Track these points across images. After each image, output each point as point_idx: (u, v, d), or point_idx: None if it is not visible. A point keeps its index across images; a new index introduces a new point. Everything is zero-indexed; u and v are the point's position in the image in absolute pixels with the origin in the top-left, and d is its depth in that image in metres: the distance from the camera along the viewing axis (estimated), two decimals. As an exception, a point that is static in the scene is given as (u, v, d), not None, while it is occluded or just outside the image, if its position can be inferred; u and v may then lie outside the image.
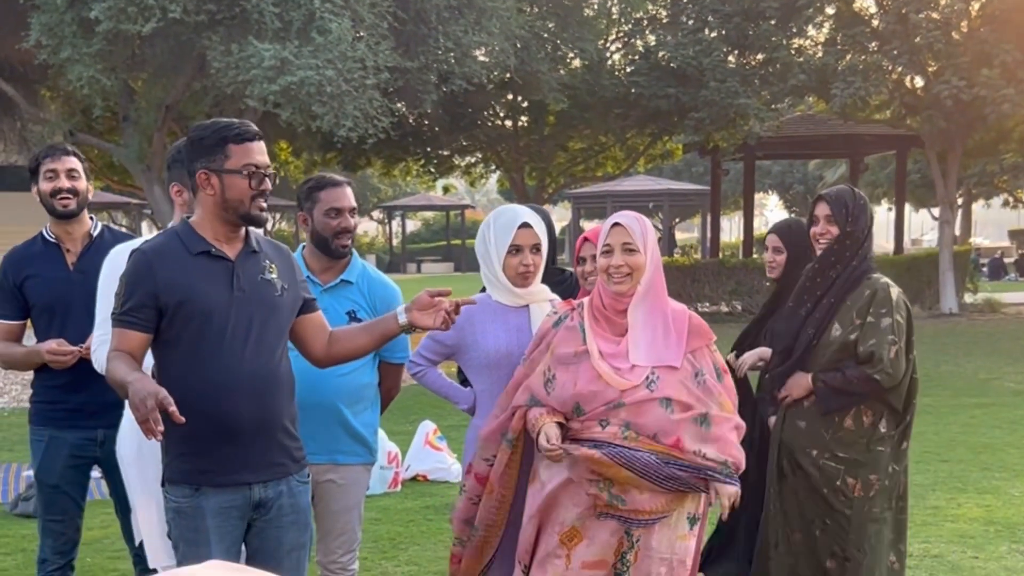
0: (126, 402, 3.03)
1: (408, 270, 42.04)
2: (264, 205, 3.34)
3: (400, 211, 45.94)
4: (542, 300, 3.95)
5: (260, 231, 3.59)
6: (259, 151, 3.33)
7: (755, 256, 24.04)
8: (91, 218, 4.41)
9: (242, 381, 3.24)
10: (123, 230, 4.44)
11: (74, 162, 4.34)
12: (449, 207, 46.12)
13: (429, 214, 51.32)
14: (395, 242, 47.39)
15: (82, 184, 4.34)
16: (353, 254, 4.19)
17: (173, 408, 2.91)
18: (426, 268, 42.97)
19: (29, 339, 4.41)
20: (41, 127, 16.96)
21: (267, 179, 3.35)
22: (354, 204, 4.20)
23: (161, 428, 2.90)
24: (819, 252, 4.29)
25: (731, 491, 3.51)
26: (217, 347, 3.24)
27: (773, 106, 19.68)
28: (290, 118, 12.78)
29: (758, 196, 32.25)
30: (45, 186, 4.30)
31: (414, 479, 8.15)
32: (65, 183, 4.29)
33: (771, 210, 69.86)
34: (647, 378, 3.49)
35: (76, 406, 4.22)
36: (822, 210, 4.29)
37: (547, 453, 3.47)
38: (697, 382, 3.55)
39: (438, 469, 8.22)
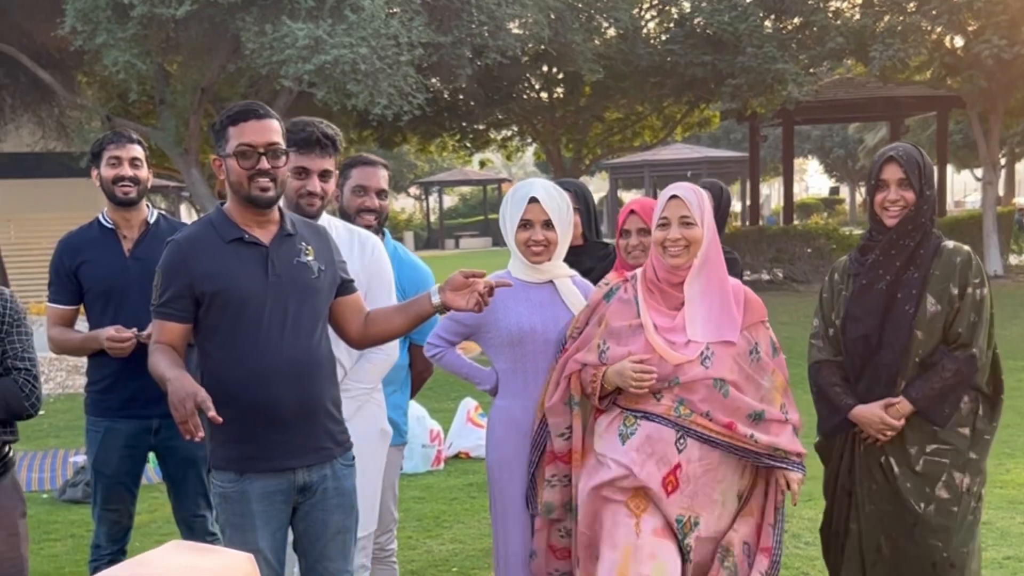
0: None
1: (446, 246, 42.08)
2: (266, 184, 3.26)
3: (437, 187, 45.93)
4: (563, 275, 3.89)
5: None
6: (254, 130, 3.26)
7: (796, 223, 23.86)
8: (148, 205, 4.41)
9: (281, 366, 3.24)
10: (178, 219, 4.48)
11: (137, 150, 4.35)
12: (486, 181, 46.06)
13: (466, 189, 51.28)
14: (432, 218, 47.42)
15: (143, 172, 4.35)
16: (386, 235, 4.18)
17: (212, 412, 2.92)
18: (464, 243, 42.97)
19: (81, 324, 4.43)
20: (79, 113, 17.09)
21: (263, 157, 3.25)
22: (382, 186, 4.20)
23: (201, 433, 2.93)
24: (891, 222, 3.73)
25: (798, 476, 3.49)
26: (255, 334, 3.24)
27: (811, 70, 19.44)
28: (325, 97, 12.78)
29: (797, 161, 31.97)
30: (107, 172, 4.31)
31: (456, 456, 8.16)
32: (128, 171, 4.30)
33: (811, 175, 69.27)
34: (702, 354, 3.44)
35: (131, 394, 4.24)
36: (893, 173, 3.71)
37: (637, 381, 3.41)
38: (752, 360, 3.51)
39: (480, 446, 8.22)
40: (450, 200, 53.26)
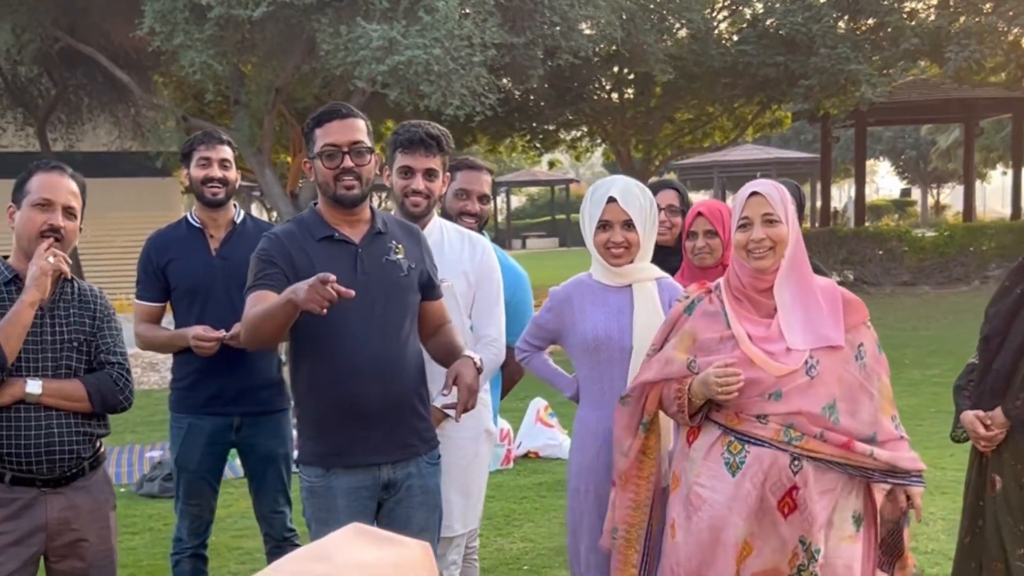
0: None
1: (513, 246, 42.07)
2: (351, 183, 3.32)
3: (505, 187, 45.98)
4: (646, 279, 3.71)
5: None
6: (337, 130, 3.32)
7: (867, 224, 23.56)
8: (235, 206, 4.49)
9: (368, 363, 3.28)
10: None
11: (227, 151, 4.43)
12: (554, 182, 45.99)
13: (534, 189, 51.27)
14: (500, 218, 47.48)
15: (232, 174, 4.43)
16: (484, 238, 4.20)
17: (336, 286, 2.90)
18: (531, 244, 42.98)
19: (167, 322, 4.52)
20: (154, 113, 17.35)
21: (347, 156, 3.30)
22: (485, 191, 4.40)
23: (334, 295, 2.90)
24: None
25: (919, 491, 3.27)
26: (342, 330, 3.28)
27: (885, 71, 19.15)
28: (398, 98, 12.84)
29: (868, 163, 31.58)
30: (197, 172, 4.38)
31: (526, 456, 8.18)
32: (217, 172, 4.37)
33: (882, 177, 68.30)
34: (806, 363, 3.18)
35: (214, 392, 4.31)
36: None
37: (723, 386, 3.16)
38: (859, 365, 3.25)
39: (549, 446, 8.24)
40: (518, 201, 53.27)
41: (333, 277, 2.92)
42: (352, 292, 2.98)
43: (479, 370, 3.38)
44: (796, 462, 3.16)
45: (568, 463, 3.86)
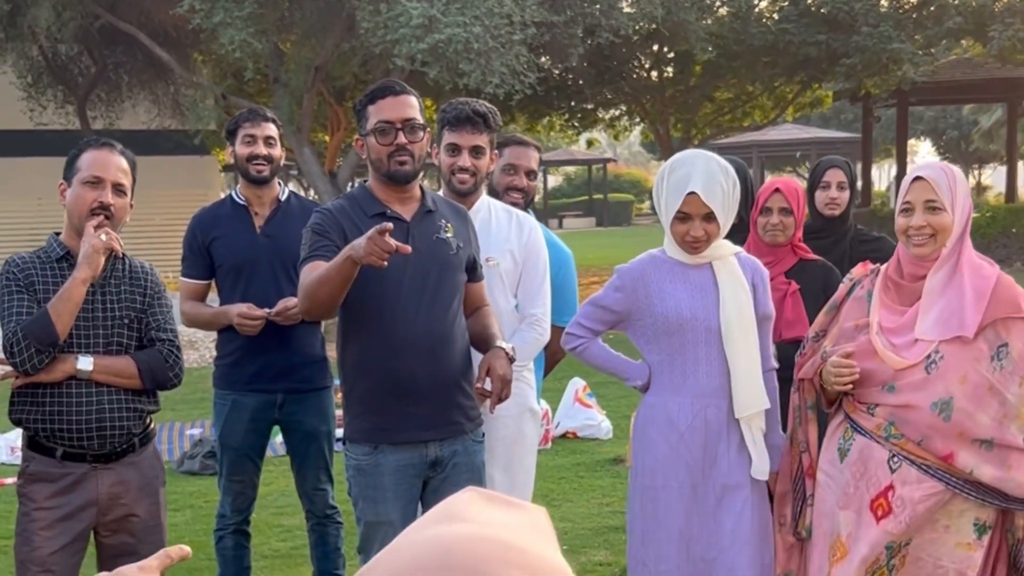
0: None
1: (550, 225, 41.82)
2: (403, 159, 3.32)
3: (542, 166, 45.74)
4: (726, 255, 3.49)
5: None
6: (391, 107, 3.33)
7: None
8: (279, 183, 4.49)
9: (417, 340, 3.29)
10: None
11: (272, 129, 4.42)
12: (591, 161, 45.85)
13: (571, 169, 51.11)
14: (537, 197, 47.25)
15: (277, 151, 4.43)
16: (531, 215, 4.18)
17: (391, 230, 2.93)
18: (568, 223, 42.87)
19: (212, 300, 4.55)
20: (193, 91, 17.40)
21: (400, 132, 3.31)
22: (532, 167, 4.37)
23: (392, 246, 2.92)
24: None
25: None
26: (393, 307, 3.30)
27: (928, 50, 18.92)
28: (437, 76, 12.82)
29: (909, 143, 31.24)
30: (242, 150, 4.38)
31: (564, 436, 8.17)
32: (262, 149, 4.37)
33: (923, 157, 67.60)
34: (928, 357, 3.03)
35: (257, 369, 4.33)
36: None
37: (836, 377, 3.13)
38: (995, 365, 3.01)
39: (588, 426, 8.22)
40: (554, 180, 53.14)
41: (391, 226, 2.93)
42: (408, 248, 3.01)
43: (511, 359, 3.38)
44: (895, 459, 3.07)
45: (635, 461, 3.61)
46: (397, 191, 3.40)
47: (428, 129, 3.44)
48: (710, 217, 3.37)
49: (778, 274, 4.05)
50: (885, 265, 3.29)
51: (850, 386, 3.13)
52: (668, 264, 3.50)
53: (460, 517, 0.91)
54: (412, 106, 3.37)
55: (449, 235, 3.41)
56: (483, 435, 3.55)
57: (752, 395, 3.42)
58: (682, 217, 3.39)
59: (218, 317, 4.37)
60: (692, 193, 3.34)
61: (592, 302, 3.61)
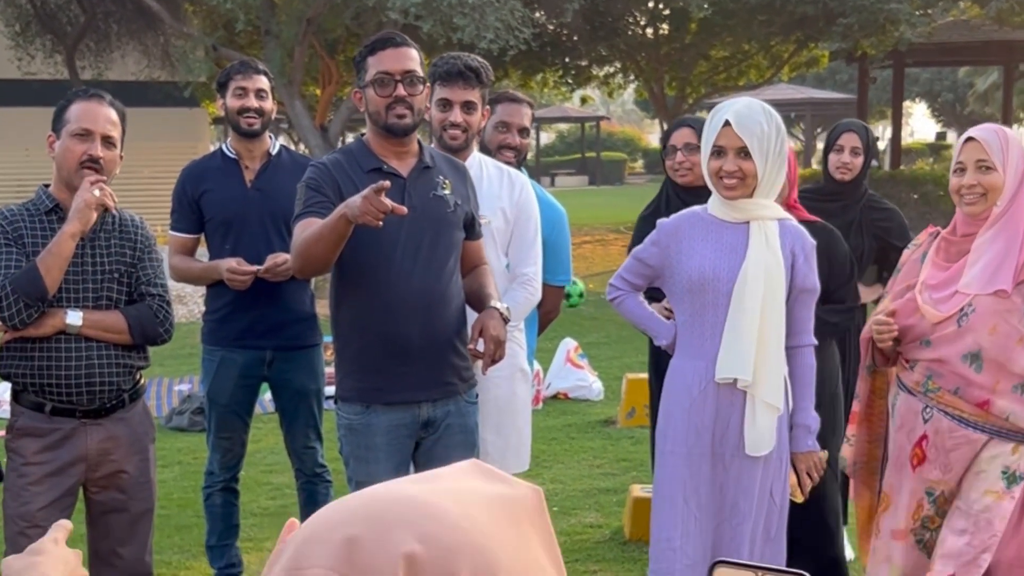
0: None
1: (542, 183, 41.69)
2: (402, 112, 3.26)
3: (534, 123, 45.50)
4: (768, 217, 3.33)
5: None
6: (391, 58, 3.27)
7: (902, 168, 23.31)
8: (270, 137, 4.44)
9: (412, 298, 3.25)
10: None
11: (264, 81, 4.36)
12: (584, 119, 45.59)
13: (564, 126, 50.89)
14: (529, 155, 47.10)
15: (268, 104, 4.37)
16: (523, 173, 4.13)
17: (386, 191, 2.89)
18: (560, 181, 42.72)
19: (201, 254, 4.51)
20: (184, 42, 17.21)
21: (399, 84, 3.24)
22: (525, 124, 4.34)
23: (388, 206, 2.88)
24: None
25: None
26: (387, 264, 3.25)
27: (925, 11, 18.80)
28: (431, 31, 12.69)
29: (904, 105, 31.15)
30: (233, 103, 4.32)
31: (555, 397, 8.16)
32: (253, 102, 4.31)
33: (917, 119, 67.52)
34: (961, 310, 3.12)
35: (246, 325, 4.29)
36: None
37: (877, 335, 3.25)
38: None
39: (579, 387, 8.21)
40: (547, 137, 52.93)
41: (388, 184, 2.89)
42: (405, 209, 2.97)
43: (505, 320, 3.34)
44: (928, 410, 3.16)
45: (657, 424, 3.54)
46: (394, 145, 3.34)
47: (428, 83, 3.38)
48: (745, 153, 3.24)
49: None
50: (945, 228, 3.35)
51: (890, 343, 3.22)
52: (705, 221, 3.39)
53: (436, 478, 0.90)
54: (412, 58, 3.31)
55: (447, 192, 3.35)
56: (477, 396, 3.52)
57: (740, 362, 3.26)
58: (717, 152, 3.28)
59: (207, 272, 4.32)
60: (727, 124, 3.25)
61: (633, 255, 3.55)
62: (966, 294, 3.12)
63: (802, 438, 3.41)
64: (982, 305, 3.08)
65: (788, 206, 3.97)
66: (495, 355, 3.28)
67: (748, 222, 3.32)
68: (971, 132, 3.26)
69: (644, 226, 4.47)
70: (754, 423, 3.29)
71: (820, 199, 4.49)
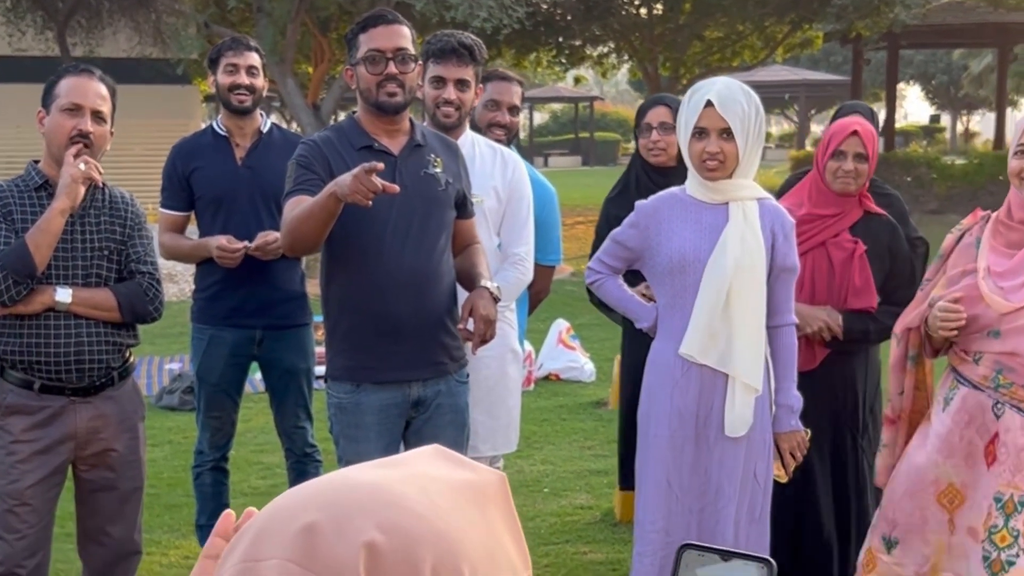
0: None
1: (535, 164, 41.61)
2: (393, 90, 3.25)
3: (528, 103, 45.46)
4: (747, 198, 3.31)
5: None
6: (382, 35, 3.26)
7: (896, 150, 23.30)
8: (261, 115, 4.41)
9: (402, 277, 3.24)
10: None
11: (255, 58, 4.33)
12: (578, 99, 45.50)
13: (557, 106, 50.80)
14: (522, 135, 47.03)
15: (259, 81, 4.34)
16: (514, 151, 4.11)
17: (378, 171, 2.89)
18: (553, 162, 42.65)
19: (191, 232, 4.48)
20: (176, 19, 17.13)
21: (390, 62, 3.24)
22: (515, 102, 4.33)
23: (378, 186, 2.88)
24: None
25: None
26: (377, 243, 3.24)
27: (920, -8, 18.78)
28: (424, 8, 12.65)
29: (898, 87, 31.13)
30: (224, 79, 4.29)
31: (547, 378, 8.15)
32: (244, 79, 4.28)
33: (911, 101, 67.51)
34: None
35: (236, 304, 4.27)
36: None
37: (943, 323, 3.05)
38: None
39: (571, 368, 8.21)
40: (540, 117, 52.82)
41: (381, 166, 2.88)
42: (396, 188, 2.96)
43: (496, 299, 3.32)
44: (999, 406, 3.01)
45: (640, 406, 3.51)
46: (385, 123, 3.33)
47: (420, 61, 3.36)
48: (727, 134, 3.22)
49: (843, 229, 3.82)
50: (996, 212, 3.18)
51: (956, 333, 3.06)
52: (685, 202, 3.36)
53: (398, 464, 0.89)
54: (404, 36, 3.30)
55: (438, 170, 3.33)
56: (467, 376, 3.51)
57: (702, 341, 3.24)
58: (698, 133, 3.25)
59: (197, 249, 4.30)
60: (709, 105, 3.22)
61: (611, 237, 3.51)
62: None
63: (785, 418, 3.40)
64: None
65: (861, 196, 3.84)
66: (485, 335, 3.27)
67: (728, 203, 3.30)
68: None
69: (611, 207, 4.44)
70: (733, 404, 3.28)
71: None
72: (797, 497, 3.77)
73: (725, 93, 3.22)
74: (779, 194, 4.15)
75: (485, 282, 3.35)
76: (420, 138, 3.36)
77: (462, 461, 0.91)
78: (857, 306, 3.76)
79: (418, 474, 0.87)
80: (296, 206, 3.16)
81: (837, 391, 3.84)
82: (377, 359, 3.30)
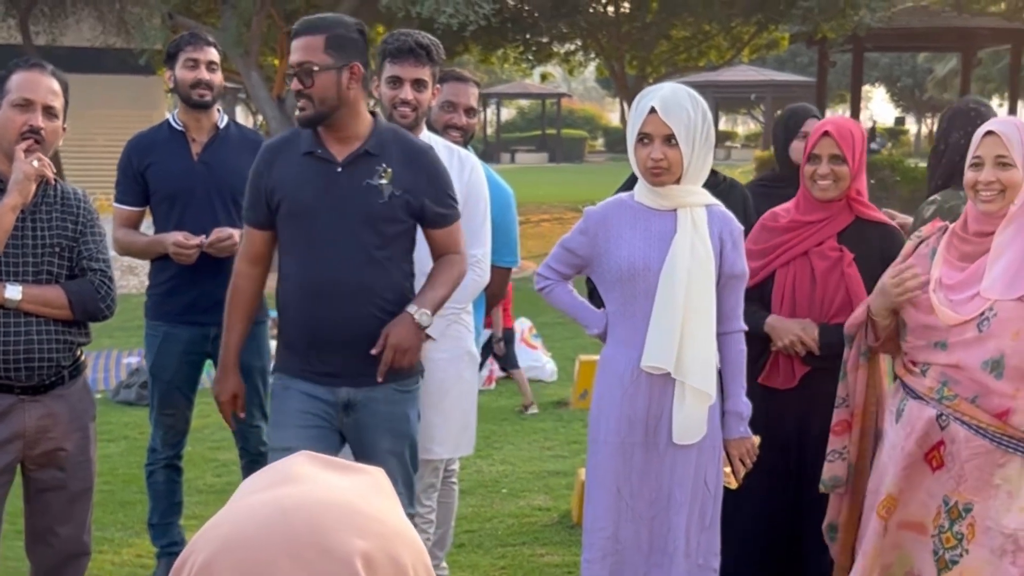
0: None
1: (502, 159, 41.77)
2: (303, 105, 3.26)
3: (495, 99, 45.48)
4: (695, 204, 3.27)
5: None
6: (294, 50, 3.26)
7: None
8: (218, 110, 4.37)
9: (327, 285, 3.26)
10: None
11: (214, 54, 4.32)
12: (545, 95, 45.48)
13: (524, 103, 50.76)
14: (489, 131, 47.05)
15: (218, 77, 4.32)
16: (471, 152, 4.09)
17: (241, 415, 3.62)
18: (520, 158, 42.66)
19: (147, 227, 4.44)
20: (140, 9, 16.94)
21: (295, 78, 3.25)
22: (471, 104, 4.27)
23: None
24: None
25: None
26: (309, 250, 3.27)
27: (885, -4, 18.90)
28: (390, 3, 12.58)
29: (864, 89, 31.31)
30: (184, 75, 4.25)
31: (508, 377, 8.13)
32: (205, 75, 4.25)
33: (876, 104, 68.03)
34: (981, 314, 2.93)
35: (191, 300, 4.24)
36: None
37: (898, 287, 3.06)
38: None
39: (532, 368, 8.20)
40: (507, 113, 52.78)
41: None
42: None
43: (420, 327, 3.26)
44: (943, 417, 3.01)
45: (590, 411, 3.50)
46: (331, 130, 3.30)
47: (341, 68, 3.23)
48: (671, 140, 3.20)
49: (829, 236, 3.67)
50: (954, 223, 3.16)
51: (916, 292, 3.04)
52: (633, 209, 3.34)
53: (295, 479, 0.89)
54: (307, 48, 3.23)
55: (383, 181, 3.27)
56: (415, 384, 3.46)
57: (665, 351, 3.22)
58: (643, 139, 3.23)
59: (152, 246, 4.26)
60: (652, 112, 3.20)
61: (561, 244, 3.49)
62: (987, 298, 2.95)
63: (734, 425, 3.40)
64: (1004, 310, 2.90)
65: (850, 200, 3.70)
66: (392, 362, 3.23)
67: (676, 209, 3.27)
68: (991, 126, 3.07)
69: None
70: (683, 411, 3.26)
71: (776, 185, 4.43)
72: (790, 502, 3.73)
73: (670, 99, 3.20)
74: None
75: (411, 307, 3.28)
76: (374, 146, 3.30)
77: (342, 464, 0.94)
78: (839, 321, 3.54)
79: (331, 486, 0.88)
80: (247, 240, 3.43)
81: (817, 412, 3.59)
82: (306, 362, 3.34)
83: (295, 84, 3.24)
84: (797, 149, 4.36)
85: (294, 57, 3.24)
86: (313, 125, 3.29)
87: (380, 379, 3.26)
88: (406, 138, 3.41)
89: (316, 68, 3.21)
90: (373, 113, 3.39)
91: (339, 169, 3.27)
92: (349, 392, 3.34)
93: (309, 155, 3.28)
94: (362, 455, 3.37)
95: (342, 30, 3.26)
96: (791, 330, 3.62)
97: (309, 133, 3.32)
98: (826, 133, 3.63)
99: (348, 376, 3.31)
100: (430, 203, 3.34)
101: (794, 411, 3.64)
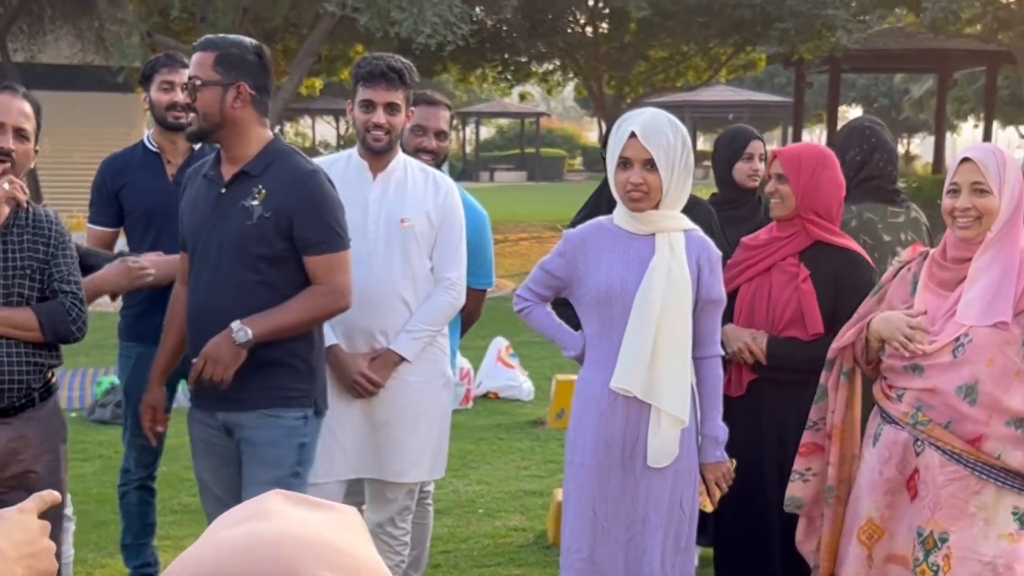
0: None
1: (481, 178, 41.83)
2: (189, 119, 3.37)
3: (474, 117, 45.56)
4: (673, 229, 3.30)
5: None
6: (190, 65, 3.33)
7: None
8: None
9: (200, 309, 3.33)
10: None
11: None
12: (524, 114, 45.59)
13: (503, 121, 50.86)
14: (468, 149, 47.11)
15: None
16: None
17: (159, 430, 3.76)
18: (499, 176, 42.73)
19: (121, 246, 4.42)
20: (118, 27, 16.92)
21: (185, 92, 3.36)
22: (442, 127, 4.28)
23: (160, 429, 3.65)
24: None
25: None
26: (193, 272, 3.36)
27: (861, 17, 19.05)
28: (368, 24, 12.60)
29: (841, 109, 31.52)
30: (159, 97, 4.25)
31: (485, 396, 8.13)
32: (180, 97, 4.23)
33: (852, 123, 68.34)
34: (956, 339, 2.96)
35: (163, 321, 4.20)
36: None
37: (909, 337, 3.04)
38: None
39: (510, 387, 8.19)
40: (487, 132, 52.88)
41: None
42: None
43: (238, 345, 3.20)
44: (918, 443, 3.03)
45: (567, 432, 3.51)
46: (224, 151, 3.34)
47: (227, 85, 3.22)
48: (651, 165, 3.21)
49: (790, 253, 3.73)
50: (934, 249, 3.21)
51: (919, 351, 3.03)
52: (612, 232, 3.35)
53: (266, 515, 0.90)
54: (198, 64, 3.24)
55: (255, 202, 3.22)
56: (294, 414, 3.35)
57: (633, 375, 3.24)
58: (623, 163, 3.25)
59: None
60: (632, 136, 3.22)
61: (540, 265, 3.50)
62: (962, 324, 2.99)
63: (710, 449, 3.40)
64: (980, 336, 2.94)
65: (805, 221, 3.71)
66: (201, 371, 3.26)
67: (654, 234, 3.29)
68: (968, 152, 3.09)
69: None
70: (658, 434, 3.27)
71: (724, 207, 4.48)
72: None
73: (650, 124, 3.22)
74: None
75: (235, 323, 3.21)
76: (254, 167, 3.26)
77: (313, 502, 0.95)
78: (790, 334, 3.67)
79: (303, 520, 0.89)
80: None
81: (762, 422, 3.71)
82: (197, 385, 3.38)
83: (184, 97, 3.32)
84: (742, 170, 4.53)
85: (188, 71, 3.31)
86: (196, 140, 3.42)
87: (190, 384, 3.39)
88: (293, 161, 3.32)
89: (200, 83, 3.23)
90: (277, 136, 3.41)
91: (223, 191, 3.29)
92: (224, 416, 3.38)
93: (205, 176, 3.35)
94: (243, 484, 3.38)
95: (235, 50, 3.26)
96: (741, 337, 3.72)
97: (214, 155, 3.40)
98: (775, 156, 3.74)
99: (220, 400, 3.33)
100: (300, 227, 3.24)
101: (745, 422, 3.64)
